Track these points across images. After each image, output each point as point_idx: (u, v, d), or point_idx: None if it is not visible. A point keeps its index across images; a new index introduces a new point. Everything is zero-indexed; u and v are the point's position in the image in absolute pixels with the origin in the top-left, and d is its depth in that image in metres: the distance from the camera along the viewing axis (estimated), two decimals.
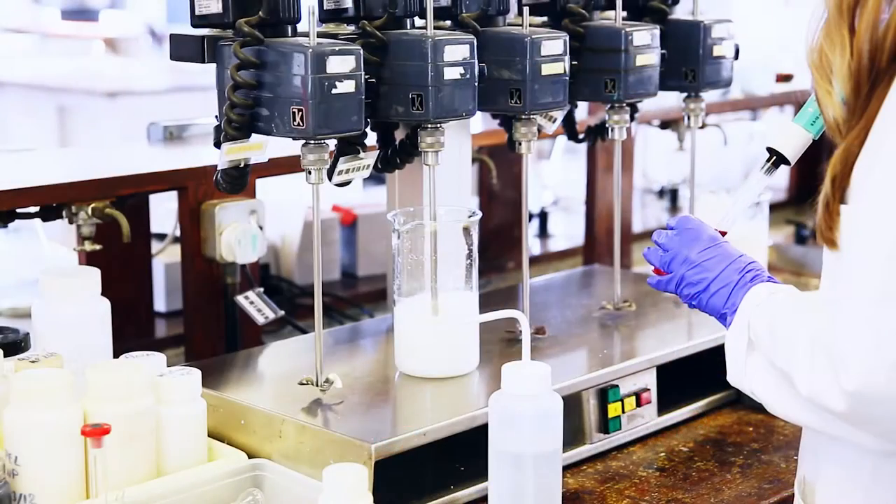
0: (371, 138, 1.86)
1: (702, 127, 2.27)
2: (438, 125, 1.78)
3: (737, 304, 1.45)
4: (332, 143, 1.73)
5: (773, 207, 2.97)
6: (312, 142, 1.65)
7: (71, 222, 1.99)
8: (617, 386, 1.87)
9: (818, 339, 1.27)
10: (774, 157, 1.60)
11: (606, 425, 1.85)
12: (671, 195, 3.54)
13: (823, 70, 1.33)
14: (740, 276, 1.47)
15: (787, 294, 1.42)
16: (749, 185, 1.63)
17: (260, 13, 1.63)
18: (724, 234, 1.59)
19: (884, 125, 1.26)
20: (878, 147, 1.25)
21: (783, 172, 1.64)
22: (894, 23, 1.27)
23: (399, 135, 1.92)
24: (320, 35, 1.66)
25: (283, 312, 2.14)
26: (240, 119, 1.64)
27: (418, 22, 1.84)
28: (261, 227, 2.13)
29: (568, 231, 3.21)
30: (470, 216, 1.84)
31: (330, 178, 1.76)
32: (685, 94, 2.19)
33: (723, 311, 1.47)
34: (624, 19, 2.05)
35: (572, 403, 1.79)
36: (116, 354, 1.77)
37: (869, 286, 1.21)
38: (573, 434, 1.81)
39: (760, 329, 1.40)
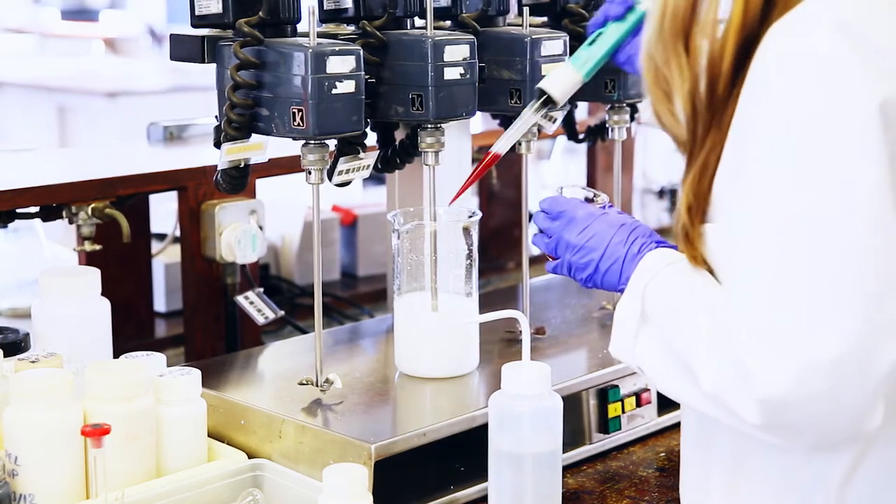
0: (371, 138, 1.86)
1: None
2: (438, 125, 1.78)
3: (630, 277, 1.38)
4: (331, 144, 1.73)
5: None
6: (312, 142, 1.65)
7: (71, 222, 1.99)
8: (617, 386, 1.87)
9: (718, 338, 1.20)
10: (545, 97, 1.63)
11: (606, 425, 1.85)
12: (671, 195, 3.54)
13: (661, 87, 1.29)
14: (626, 249, 1.40)
15: (686, 267, 1.32)
16: (520, 121, 1.65)
17: (260, 13, 1.63)
18: (496, 157, 1.63)
19: (740, 135, 1.21)
20: (738, 158, 1.20)
21: None
22: (728, 50, 1.23)
23: (399, 135, 1.92)
24: (320, 35, 1.66)
25: (283, 312, 2.14)
26: (240, 119, 1.64)
27: (418, 22, 1.84)
28: (261, 227, 2.13)
29: None
30: (470, 216, 1.84)
31: (330, 179, 1.76)
32: None
33: (619, 288, 1.40)
34: None
35: (572, 403, 1.79)
36: (116, 354, 1.77)
37: (759, 295, 1.15)
38: (573, 434, 1.81)
39: (658, 302, 1.32)
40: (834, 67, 1.15)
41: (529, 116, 1.65)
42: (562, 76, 1.64)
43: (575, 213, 1.46)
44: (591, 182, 2.82)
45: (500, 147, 1.64)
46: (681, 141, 1.31)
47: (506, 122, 2.01)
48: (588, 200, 1.53)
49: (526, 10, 1.86)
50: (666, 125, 1.32)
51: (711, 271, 1.29)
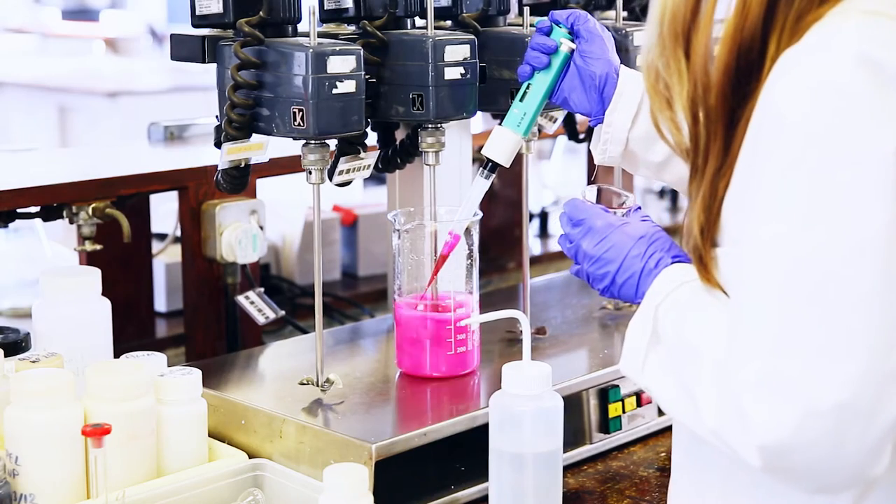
0: (371, 138, 1.86)
1: None
2: (439, 125, 1.78)
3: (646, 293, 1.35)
4: (332, 143, 1.73)
5: None
6: (313, 142, 1.65)
7: (71, 222, 1.99)
8: (618, 386, 1.87)
9: (720, 375, 1.17)
10: (491, 163, 1.69)
11: (607, 425, 1.85)
12: (671, 195, 3.54)
13: (661, 94, 1.26)
14: (644, 264, 1.36)
15: (699, 287, 1.28)
16: (473, 189, 1.71)
17: (260, 13, 1.63)
18: (457, 238, 1.71)
19: (751, 163, 1.17)
20: (748, 186, 1.17)
21: None
22: (721, 60, 1.20)
23: (399, 135, 1.92)
24: (321, 35, 1.66)
25: (283, 312, 2.14)
26: (240, 119, 1.64)
27: (419, 22, 1.85)
28: (261, 227, 2.13)
29: None
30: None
31: (330, 179, 1.76)
32: None
33: (637, 302, 1.36)
34: (623, 19, 2.05)
35: (573, 403, 1.79)
36: (117, 354, 1.77)
37: (762, 337, 1.12)
38: (574, 434, 1.81)
39: (669, 324, 1.28)
40: (854, 104, 1.09)
41: (481, 184, 1.70)
42: (503, 140, 1.69)
43: (594, 222, 1.42)
44: (592, 182, 2.82)
45: (459, 227, 1.72)
46: (682, 149, 1.29)
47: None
48: (615, 202, 1.51)
49: (526, 10, 1.86)
50: (665, 133, 1.29)
51: (726, 291, 1.25)
